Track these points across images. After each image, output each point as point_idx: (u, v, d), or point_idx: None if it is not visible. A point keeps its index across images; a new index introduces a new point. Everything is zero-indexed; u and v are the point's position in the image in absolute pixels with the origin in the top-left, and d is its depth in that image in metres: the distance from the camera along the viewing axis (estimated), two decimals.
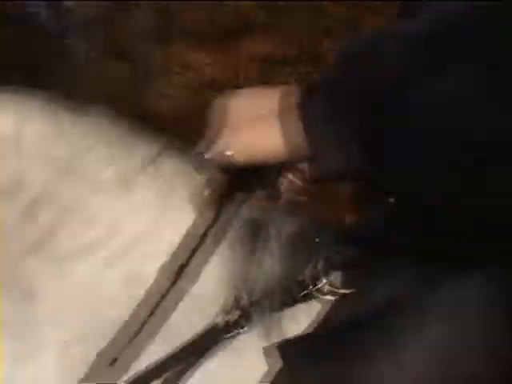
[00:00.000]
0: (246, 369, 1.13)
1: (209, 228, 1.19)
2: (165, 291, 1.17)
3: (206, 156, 1.06)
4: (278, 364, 1.10)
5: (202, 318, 1.17)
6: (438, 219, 1.01)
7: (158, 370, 1.15)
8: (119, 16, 4.51)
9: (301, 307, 1.17)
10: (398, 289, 1.08)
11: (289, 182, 1.13)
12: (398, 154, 0.94)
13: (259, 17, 4.62)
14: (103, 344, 1.18)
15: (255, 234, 1.21)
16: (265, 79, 4.41)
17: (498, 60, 0.89)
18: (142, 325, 1.17)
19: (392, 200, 1.06)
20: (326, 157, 0.99)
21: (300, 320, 1.16)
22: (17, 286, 1.21)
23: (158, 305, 1.17)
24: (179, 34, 4.58)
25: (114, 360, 1.17)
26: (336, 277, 1.18)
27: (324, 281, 1.16)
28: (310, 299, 1.17)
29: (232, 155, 1.04)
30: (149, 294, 1.18)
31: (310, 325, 1.15)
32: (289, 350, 1.09)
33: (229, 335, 1.16)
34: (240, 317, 1.16)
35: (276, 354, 1.10)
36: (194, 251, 1.18)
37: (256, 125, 1.04)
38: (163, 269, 1.18)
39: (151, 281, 1.18)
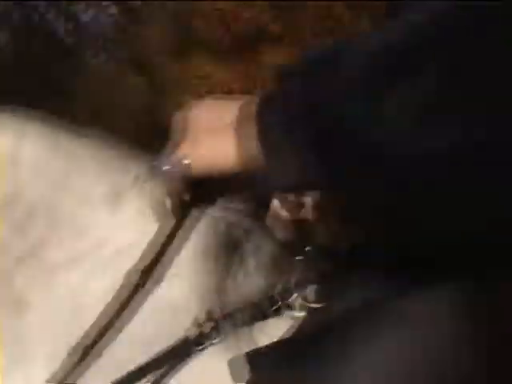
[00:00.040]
0: (216, 381, 1.14)
1: (171, 236, 1.20)
2: (131, 294, 1.20)
3: (164, 167, 1.06)
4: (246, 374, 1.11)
5: (172, 325, 1.19)
6: (401, 231, 1.00)
7: (128, 381, 1.17)
8: (135, 29, 4.54)
9: (272, 321, 1.18)
10: (365, 301, 1.08)
11: (283, 199, 1.14)
12: (348, 166, 0.93)
13: (275, 28, 4.64)
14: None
15: (231, 247, 1.23)
16: None
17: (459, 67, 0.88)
18: (106, 328, 1.20)
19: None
20: (282, 162, 0.96)
21: (270, 333, 1.17)
22: (7, 297, 1.25)
23: (123, 308, 1.20)
24: (196, 46, 4.61)
25: (81, 360, 1.20)
26: (311, 290, 1.18)
27: (295, 295, 1.17)
28: (281, 314, 1.18)
29: (189, 166, 1.04)
30: (116, 297, 1.21)
31: (280, 338, 1.16)
32: (256, 358, 1.09)
33: (200, 347, 1.18)
34: (212, 329, 1.18)
35: (244, 363, 1.10)
36: (157, 258, 1.21)
37: (214, 135, 1.03)
38: (129, 274, 1.21)
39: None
